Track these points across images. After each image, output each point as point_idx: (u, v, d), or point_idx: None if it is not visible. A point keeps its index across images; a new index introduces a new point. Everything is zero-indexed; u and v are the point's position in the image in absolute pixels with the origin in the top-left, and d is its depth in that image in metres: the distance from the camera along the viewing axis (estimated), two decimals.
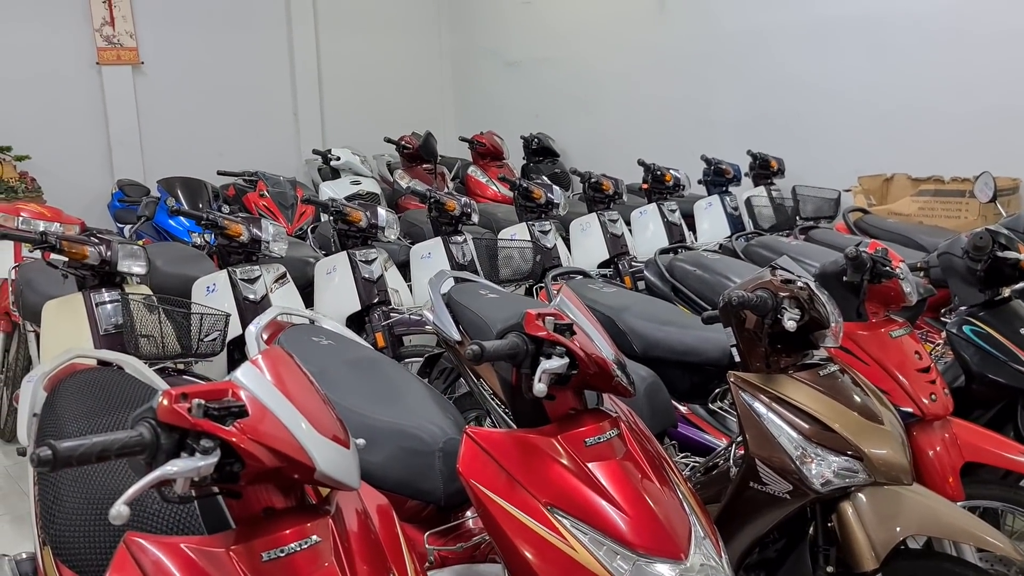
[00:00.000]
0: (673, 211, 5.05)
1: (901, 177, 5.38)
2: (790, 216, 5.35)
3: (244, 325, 3.33)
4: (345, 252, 3.74)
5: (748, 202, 5.30)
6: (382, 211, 3.80)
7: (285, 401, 1.29)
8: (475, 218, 4.17)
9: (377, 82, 8.48)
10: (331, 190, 6.07)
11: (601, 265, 4.67)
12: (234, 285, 3.39)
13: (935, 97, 5.36)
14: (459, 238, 4.14)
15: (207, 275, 3.51)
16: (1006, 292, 2.72)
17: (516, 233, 4.39)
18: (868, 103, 5.69)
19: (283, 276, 3.63)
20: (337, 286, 3.74)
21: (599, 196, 4.74)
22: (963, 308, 2.71)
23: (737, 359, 2.08)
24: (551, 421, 1.68)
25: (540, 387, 1.53)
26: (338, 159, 6.44)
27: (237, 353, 3.44)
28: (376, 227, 3.76)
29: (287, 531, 1.29)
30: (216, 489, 1.26)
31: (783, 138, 5.94)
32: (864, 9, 5.72)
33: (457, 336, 2.72)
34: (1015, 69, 5.03)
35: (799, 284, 1.97)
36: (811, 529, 2.01)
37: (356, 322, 3.72)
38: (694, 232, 5.30)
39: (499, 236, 4.35)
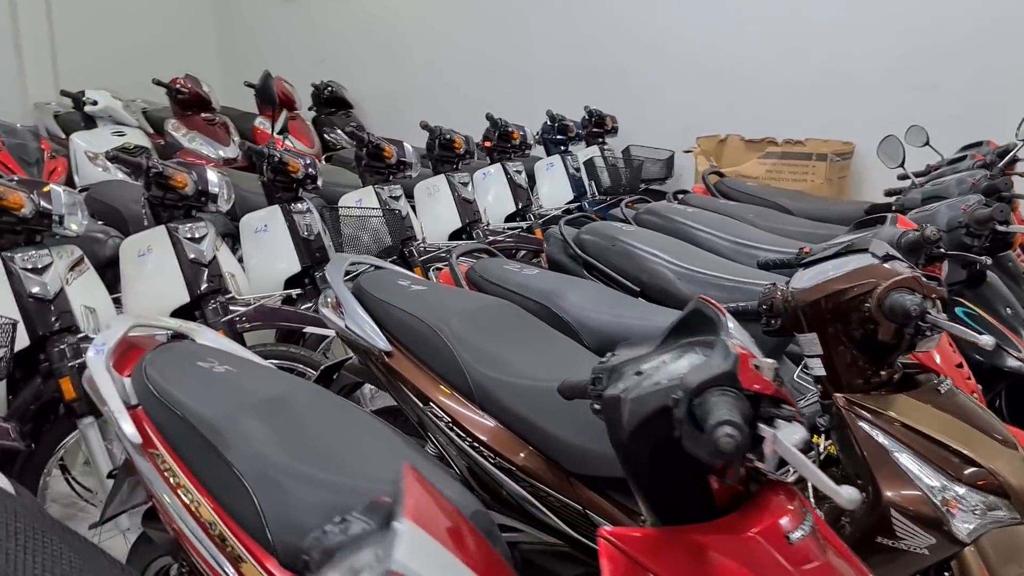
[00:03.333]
0: (519, 172, 4.55)
1: (734, 138, 5.27)
2: (630, 178, 5.05)
3: (33, 334, 2.41)
4: (164, 227, 2.84)
5: (591, 163, 4.91)
6: (212, 174, 2.92)
7: None
8: (320, 181, 3.39)
9: (122, 15, 7.10)
10: (87, 142, 4.85)
11: (452, 235, 4.07)
12: (11, 276, 2.41)
13: (767, 57, 5.28)
14: (302, 206, 3.35)
15: None
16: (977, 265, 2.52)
17: (362, 199, 3.66)
18: (700, 61, 5.51)
19: (80, 261, 2.68)
20: (155, 272, 2.83)
21: (448, 156, 4.11)
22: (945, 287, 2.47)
23: (820, 373, 1.63)
24: (718, 510, 1.11)
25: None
26: (95, 103, 5.17)
27: (19, 373, 2.49)
28: (206, 195, 2.88)
29: None
30: None
31: (613, 95, 5.61)
32: None
33: (385, 345, 2.04)
34: (846, 32, 5.05)
35: (931, 282, 1.53)
36: None
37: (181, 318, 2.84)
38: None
39: (341, 203, 3.60)
